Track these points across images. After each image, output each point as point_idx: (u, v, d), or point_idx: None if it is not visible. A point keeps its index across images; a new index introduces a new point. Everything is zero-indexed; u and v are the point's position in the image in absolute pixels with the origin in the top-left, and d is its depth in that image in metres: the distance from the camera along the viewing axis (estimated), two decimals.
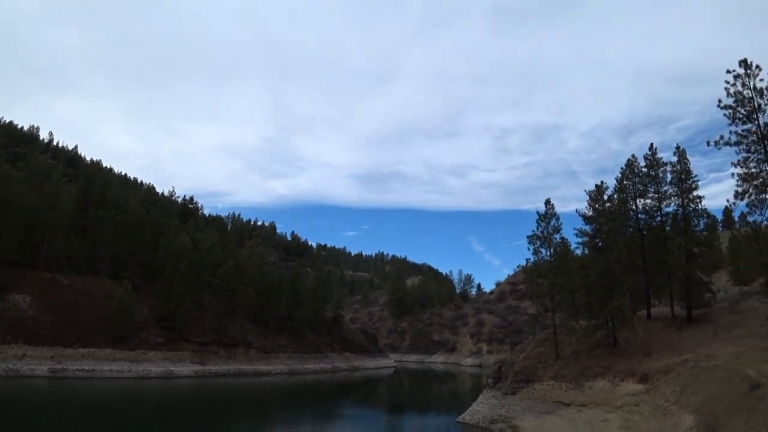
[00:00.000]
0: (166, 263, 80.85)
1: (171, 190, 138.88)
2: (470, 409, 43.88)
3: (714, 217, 73.88)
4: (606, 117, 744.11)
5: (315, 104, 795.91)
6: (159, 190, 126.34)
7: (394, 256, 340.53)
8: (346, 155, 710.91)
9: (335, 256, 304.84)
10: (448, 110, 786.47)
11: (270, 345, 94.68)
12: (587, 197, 47.84)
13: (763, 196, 35.31)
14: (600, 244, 45.67)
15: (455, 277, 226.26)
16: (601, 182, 48.10)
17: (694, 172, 50.82)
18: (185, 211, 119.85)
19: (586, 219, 47.67)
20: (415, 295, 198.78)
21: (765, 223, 36.17)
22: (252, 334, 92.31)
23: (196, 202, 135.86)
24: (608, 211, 46.91)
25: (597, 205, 46.91)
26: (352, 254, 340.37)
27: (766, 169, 35.55)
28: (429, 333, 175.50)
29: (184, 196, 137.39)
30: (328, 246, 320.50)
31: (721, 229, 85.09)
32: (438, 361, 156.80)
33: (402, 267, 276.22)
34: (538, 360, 45.60)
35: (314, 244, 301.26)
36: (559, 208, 57.20)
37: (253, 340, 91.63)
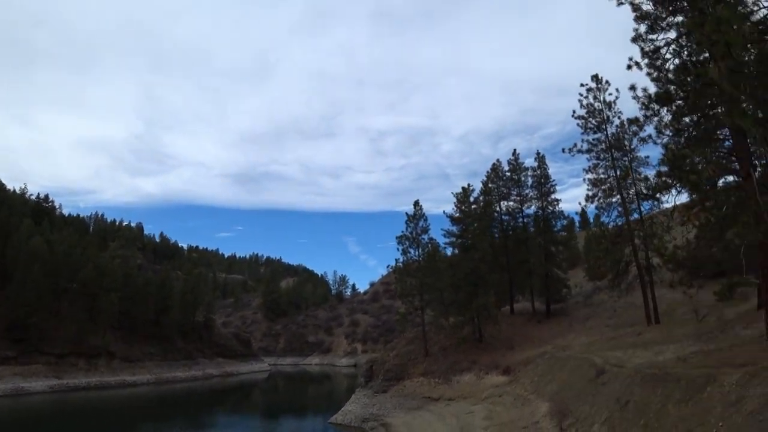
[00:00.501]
0: (16, 268, 74.09)
1: (23, 186, 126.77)
2: (343, 409, 44.13)
3: (572, 218, 79.81)
4: (478, 123, 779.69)
5: (188, 99, 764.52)
6: (9, 186, 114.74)
7: (268, 258, 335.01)
8: (219, 153, 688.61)
9: (207, 258, 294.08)
10: (326, 111, 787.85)
11: (136, 354, 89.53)
12: (454, 199, 49.83)
13: (610, 199, 38.72)
14: (466, 244, 47.71)
15: (330, 278, 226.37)
16: (468, 185, 50.40)
17: (557, 177, 55.69)
18: (39, 210, 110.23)
19: (453, 220, 49.62)
20: (289, 297, 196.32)
21: (612, 224, 39.62)
22: (116, 343, 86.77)
23: (52, 201, 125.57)
24: (474, 213, 49.19)
25: (464, 207, 48.97)
26: (226, 256, 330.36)
27: (612, 175, 38.95)
28: (304, 335, 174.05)
29: (38, 193, 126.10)
30: (200, 248, 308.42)
31: (578, 229, 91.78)
32: (313, 362, 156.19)
33: (277, 268, 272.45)
34: (408, 357, 46.80)
35: (185, 246, 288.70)
36: (434, 209, 59.08)
37: (117, 349, 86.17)
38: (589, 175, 39.73)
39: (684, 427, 17.38)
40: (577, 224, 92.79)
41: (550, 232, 53.06)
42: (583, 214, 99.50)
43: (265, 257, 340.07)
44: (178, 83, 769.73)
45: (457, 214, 49.34)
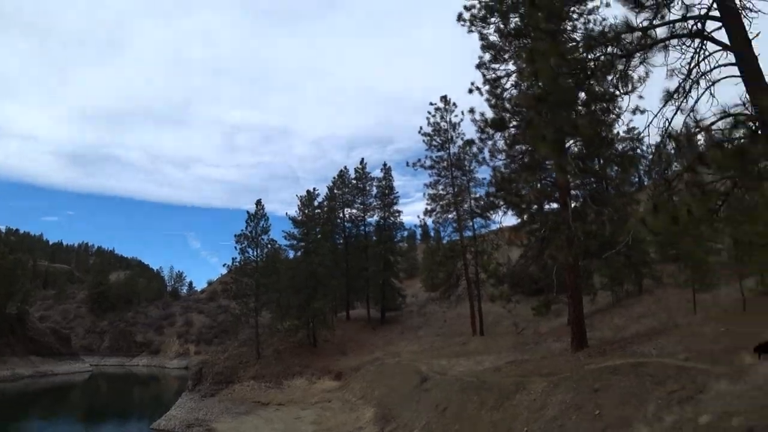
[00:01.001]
0: None
1: None
2: (168, 414, 41.80)
3: (414, 230, 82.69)
4: (333, 129, 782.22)
5: (25, 64, 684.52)
6: None
7: (100, 248, 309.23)
8: (55, 128, 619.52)
9: (28, 242, 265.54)
10: (179, 97, 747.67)
11: None
12: (298, 202, 49.61)
13: (447, 215, 40.79)
14: (307, 247, 47.67)
15: (166, 274, 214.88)
16: (314, 189, 50.51)
17: (405, 190, 57.64)
18: None
19: (296, 223, 49.37)
20: (119, 291, 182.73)
21: (447, 238, 41.75)
22: None
23: None
24: (317, 217, 49.34)
25: (307, 211, 48.93)
26: (51, 242, 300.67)
27: (451, 192, 41.06)
28: (132, 333, 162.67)
29: None
30: (21, 231, 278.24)
31: (419, 241, 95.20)
32: (141, 363, 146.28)
33: (108, 259, 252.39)
34: (240, 360, 45.61)
35: (2, 228, 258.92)
36: (281, 210, 57.97)
37: None
38: (430, 191, 41.67)
39: None
40: (418, 237, 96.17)
41: (390, 242, 54.59)
42: (424, 227, 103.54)
43: (96, 247, 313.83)
44: (13, 42, 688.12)
45: (300, 217, 49.13)
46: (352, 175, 57.59)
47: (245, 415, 38.13)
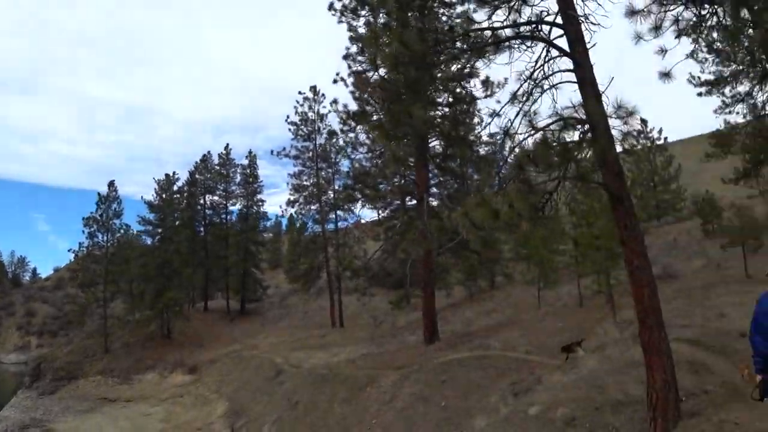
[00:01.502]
0: None
1: None
2: None
3: (280, 220, 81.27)
4: (203, 113, 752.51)
5: None
6: None
7: None
8: None
9: None
10: (31, 62, 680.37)
11: None
12: (155, 185, 46.93)
13: (309, 206, 40.38)
14: (163, 234, 45.25)
15: (6, 259, 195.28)
16: (173, 173, 47.94)
17: (274, 180, 55.91)
18: None
19: (152, 207, 46.63)
20: None
21: (311, 230, 41.38)
22: None
23: None
24: (175, 202, 46.94)
25: (165, 195, 46.42)
26: None
27: (314, 183, 40.69)
28: None
29: None
30: None
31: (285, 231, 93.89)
32: None
33: None
34: (85, 354, 42.40)
35: None
36: (140, 194, 54.33)
37: None
38: (294, 181, 40.98)
39: (344, 425, 18.59)
40: (285, 227, 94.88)
41: (252, 232, 53.21)
42: (290, 218, 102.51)
43: None
44: None
45: (157, 202, 46.45)
46: (216, 161, 55.43)
47: (88, 413, 35.49)
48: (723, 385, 8.65)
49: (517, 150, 5.47)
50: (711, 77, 29.10)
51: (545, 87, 7.55)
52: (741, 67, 28.20)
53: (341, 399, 19.77)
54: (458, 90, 21.27)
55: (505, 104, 7.18)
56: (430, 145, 21.56)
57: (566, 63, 7.67)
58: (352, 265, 17.42)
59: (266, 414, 22.20)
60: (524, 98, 7.51)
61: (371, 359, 23.45)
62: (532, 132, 6.23)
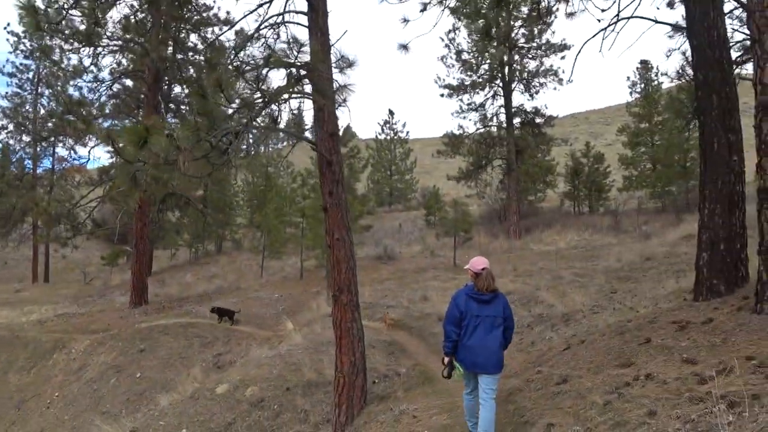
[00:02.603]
0: None
1: None
2: None
3: None
4: None
5: None
6: None
7: None
8: None
9: None
10: None
11: None
12: None
13: (21, 137, 34.34)
14: None
15: None
16: None
17: None
18: None
19: None
20: None
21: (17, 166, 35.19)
22: None
23: None
24: None
25: None
26: None
27: (31, 110, 34.50)
28: None
29: None
30: None
31: None
32: None
33: None
34: None
35: None
36: None
37: None
38: (5, 103, 34.16)
39: (19, 398, 15.77)
40: None
41: None
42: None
43: None
44: None
45: None
46: None
47: None
48: (415, 368, 8.66)
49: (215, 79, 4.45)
50: (454, 82, 31.72)
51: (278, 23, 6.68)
52: (480, 80, 31.14)
53: (20, 367, 16.82)
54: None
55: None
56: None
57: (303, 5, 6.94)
58: (49, 209, 14.73)
59: None
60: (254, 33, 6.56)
61: (66, 320, 20.54)
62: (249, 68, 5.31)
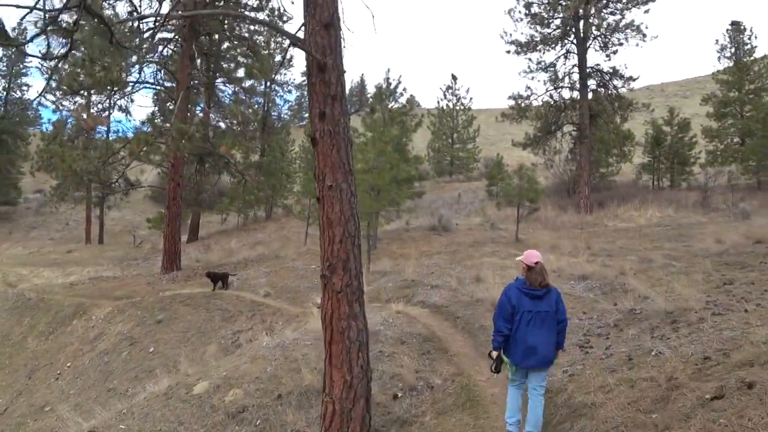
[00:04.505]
0: None
1: None
2: None
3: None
4: None
5: None
6: None
7: None
8: None
9: None
10: None
11: None
12: None
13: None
14: None
15: None
16: None
17: None
18: None
19: None
20: None
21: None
22: None
23: None
24: None
25: None
26: None
27: None
28: None
29: None
30: None
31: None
32: None
33: None
34: None
35: None
36: None
37: None
38: None
39: (31, 367, 14.68)
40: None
41: (5, 120, 44.17)
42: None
43: None
44: None
45: None
46: None
47: None
48: (455, 380, 6.40)
49: None
50: (523, 38, 28.78)
51: None
52: (552, 36, 28.10)
53: (39, 332, 15.82)
54: None
55: None
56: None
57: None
58: (74, 165, 13.59)
59: None
60: None
61: (95, 285, 19.56)
62: None
